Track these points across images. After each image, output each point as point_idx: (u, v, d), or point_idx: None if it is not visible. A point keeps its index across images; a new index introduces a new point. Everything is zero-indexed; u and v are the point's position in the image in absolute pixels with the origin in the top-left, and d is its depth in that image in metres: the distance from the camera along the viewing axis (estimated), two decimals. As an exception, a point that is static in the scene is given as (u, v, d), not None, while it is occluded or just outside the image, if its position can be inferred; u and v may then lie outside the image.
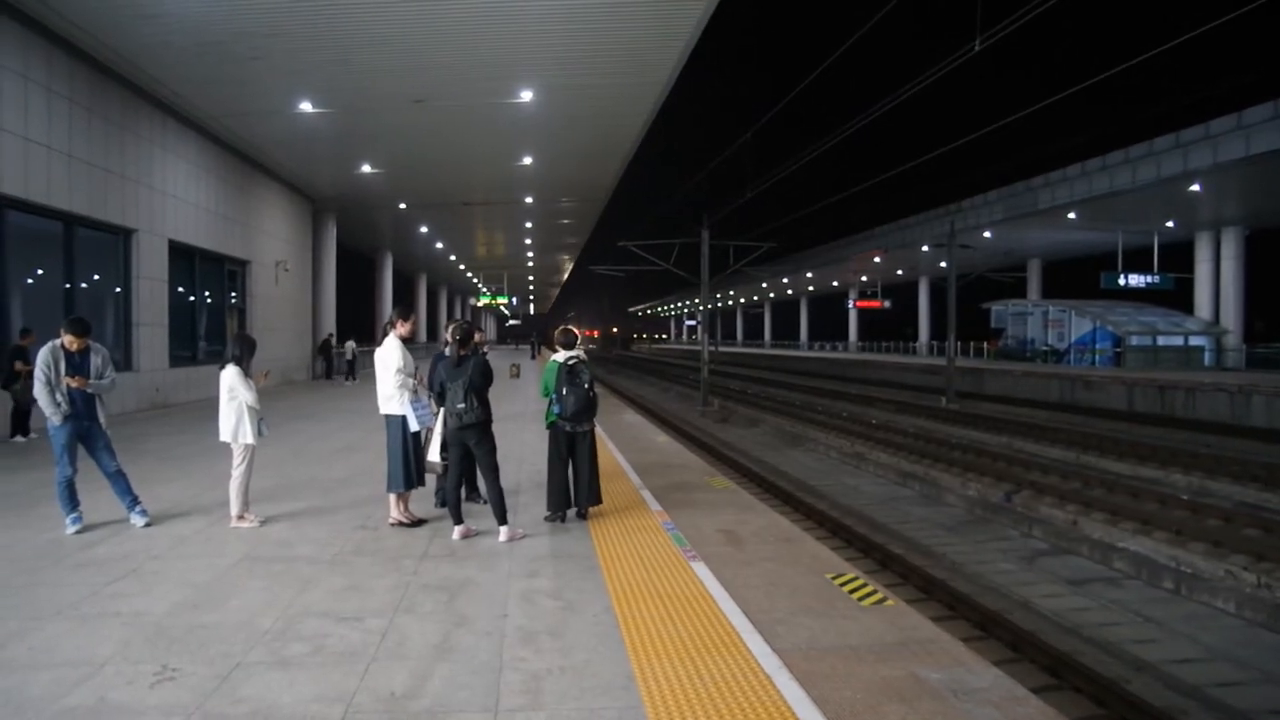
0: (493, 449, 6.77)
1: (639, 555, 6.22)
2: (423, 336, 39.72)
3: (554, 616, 4.92)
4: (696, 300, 70.80)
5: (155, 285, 17.81)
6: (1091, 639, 7.43)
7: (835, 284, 67.94)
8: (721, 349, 77.71)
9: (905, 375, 39.26)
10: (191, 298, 20.47)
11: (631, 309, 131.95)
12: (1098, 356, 37.03)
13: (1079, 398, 27.12)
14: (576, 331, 7.49)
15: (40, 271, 15.11)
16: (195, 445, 11.82)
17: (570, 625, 4.78)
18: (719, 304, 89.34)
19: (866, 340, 68.26)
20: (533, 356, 49.21)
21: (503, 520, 6.66)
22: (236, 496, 7.06)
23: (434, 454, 6.93)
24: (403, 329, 7.20)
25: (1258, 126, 24.40)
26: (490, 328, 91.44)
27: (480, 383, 6.56)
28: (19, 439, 12.14)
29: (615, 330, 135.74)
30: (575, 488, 7.32)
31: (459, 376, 6.51)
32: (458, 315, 68.10)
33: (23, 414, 12.22)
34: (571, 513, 7.35)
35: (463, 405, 6.45)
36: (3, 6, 12.78)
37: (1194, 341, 36.50)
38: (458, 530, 6.70)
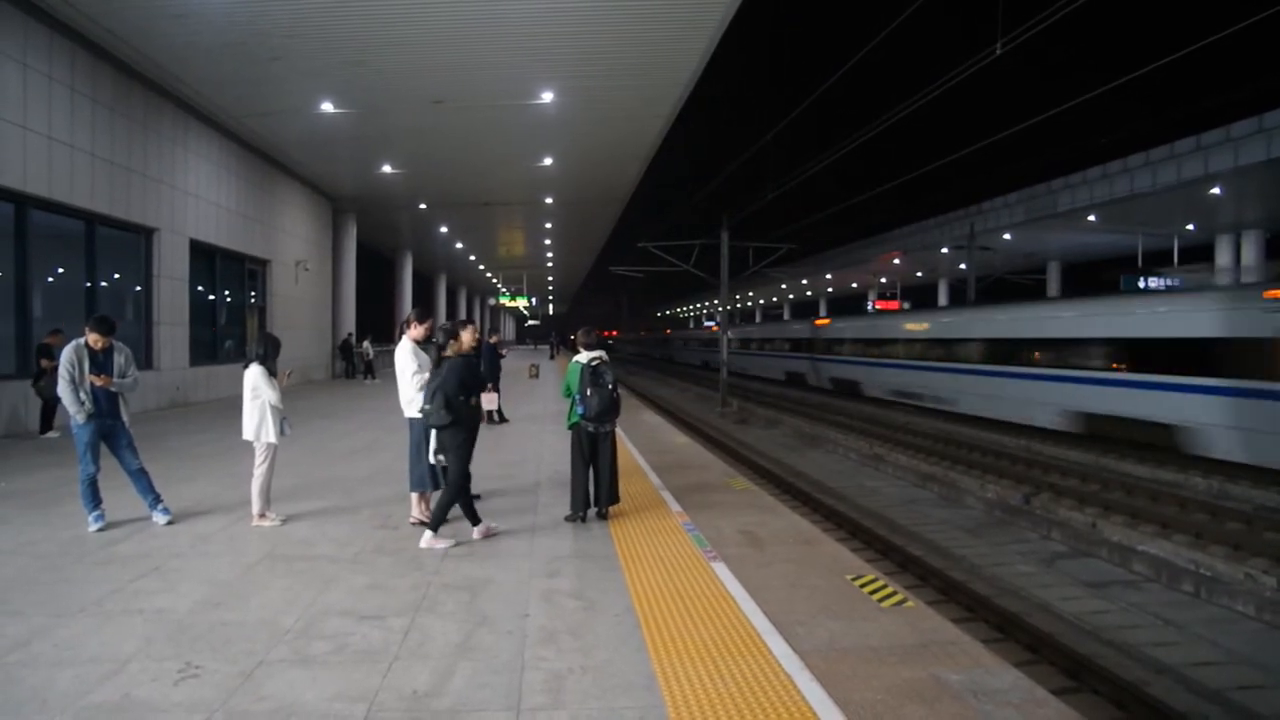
0: (462, 456, 6.52)
1: (660, 556, 6.23)
2: (440, 337, 39.80)
3: (575, 616, 4.94)
4: (716, 301, 70.72)
5: (176, 284, 17.97)
6: (1111, 641, 7.39)
7: (854, 285, 67.60)
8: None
9: (923, 377, 38.97)
10: (211, 297, 20.63)
11: (651, 309, 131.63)
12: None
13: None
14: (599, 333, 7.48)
15: (62, 270, 15.27)
16: (216, 444, 11.93)
17: (591, 625, 4.79)
18: (738, 305, 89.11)
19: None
20: (551, 357, 49.30)
21: (434, 528, 6.50)
22: (258, 495, 7.11)
23: (433, 454, 6.82)
24: (417, 331, 7.22)
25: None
26: (510, 328, 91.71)
27: (453, 386, 6.41)
28: (52, 434, 12.31)
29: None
30: (596, 487, 7.34)
31: (435, 378, 6.51)
32: (474, 316, 68.24)
33: (48, 410, 12.40)
34: (591, 512, 7.37)
35: (428, 406, 6.45)
36: (29, 7, 12.92)
37: (1215, 344, 35.92)
38: (478, 529, 6.71)
